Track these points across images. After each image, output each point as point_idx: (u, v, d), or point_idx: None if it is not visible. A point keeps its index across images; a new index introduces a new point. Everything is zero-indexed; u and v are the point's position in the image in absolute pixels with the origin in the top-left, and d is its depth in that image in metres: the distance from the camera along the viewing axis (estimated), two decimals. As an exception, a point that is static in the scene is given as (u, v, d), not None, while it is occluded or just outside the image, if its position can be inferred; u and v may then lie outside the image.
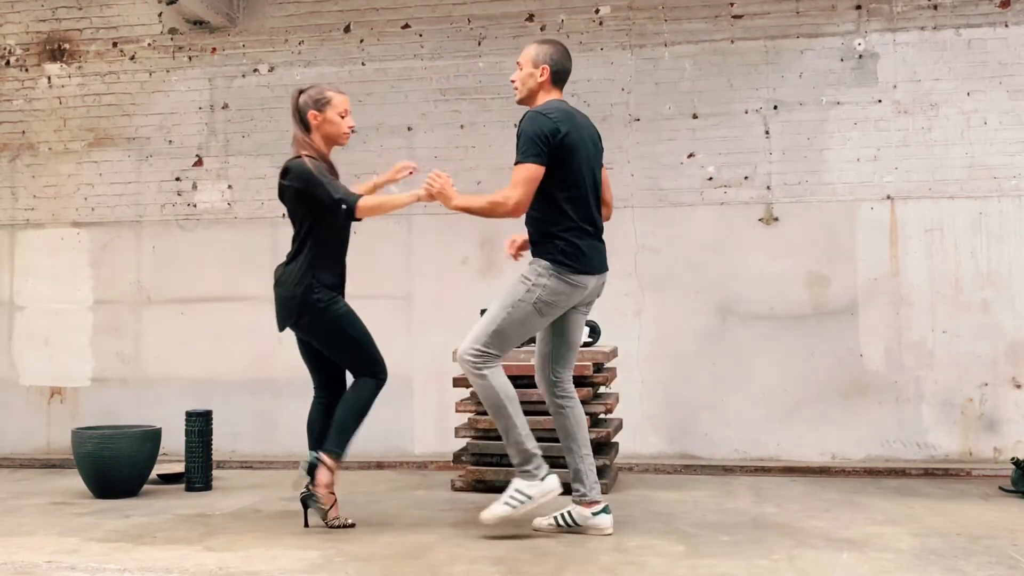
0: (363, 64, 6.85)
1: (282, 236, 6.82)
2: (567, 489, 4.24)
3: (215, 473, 5.72)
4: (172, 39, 7.09)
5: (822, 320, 6.25)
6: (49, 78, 7.25)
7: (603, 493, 5.10)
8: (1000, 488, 5.22)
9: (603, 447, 5.46)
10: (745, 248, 6.36)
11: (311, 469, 4.30)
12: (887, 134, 6.27)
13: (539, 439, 5.16)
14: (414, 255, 6.72)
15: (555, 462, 4.49)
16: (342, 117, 4.40)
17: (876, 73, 6.30)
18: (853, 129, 6.31)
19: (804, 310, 6.28)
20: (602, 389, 5.67)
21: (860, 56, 6.32)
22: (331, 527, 4.30)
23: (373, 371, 4.42)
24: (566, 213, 4.12)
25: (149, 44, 7.13)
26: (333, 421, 4.35)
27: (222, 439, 6.18)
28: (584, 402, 5.19)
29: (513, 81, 4.30)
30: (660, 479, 5.74)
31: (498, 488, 5.16)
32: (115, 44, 7.18)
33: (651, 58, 6.54)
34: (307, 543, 4.07)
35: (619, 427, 5.75)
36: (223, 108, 7.01)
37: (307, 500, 4.30)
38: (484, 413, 5.30)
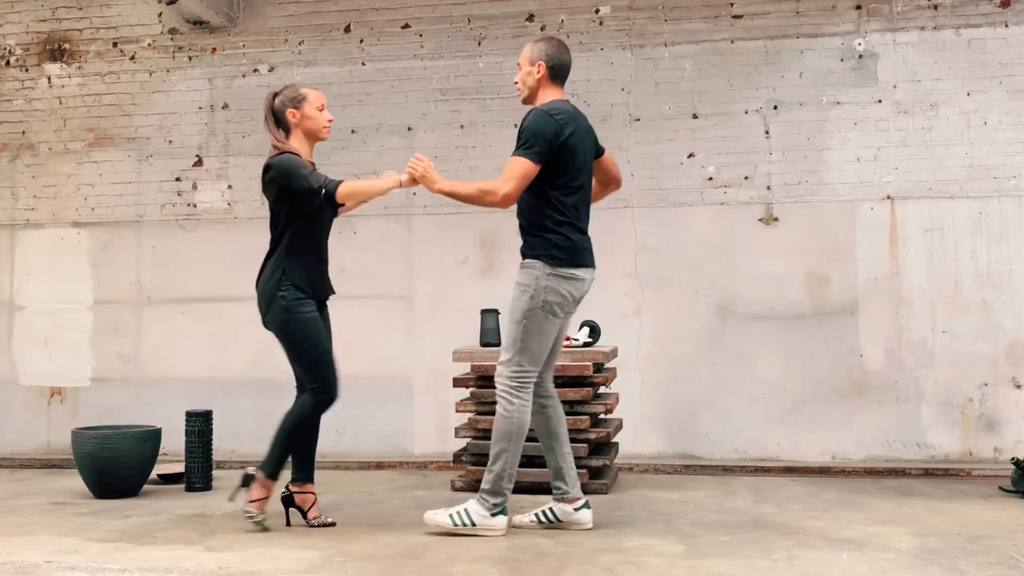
0: (363, 64, 6.85)
1: (282, 236, 6.83)
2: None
3: (215, 473, 5.71)
4: (172, 39, 7.09)
5: (822, 320, 6.25)
6: (49, 78, 7.25)
7: (603, 493, 5.14)
8: (1000, 488, 5.22)
9: (603, 447, 5.46)
10: (745, 248, 6.36)
11: (247, 481, 4.33)
12: (887, 134, 6.27)
13: (536, 439, 5.20)
14: (414, 255, 6.72)
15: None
16: (320, 111, 4.41)
17: (876, 73, 6.30)
18: (853, 129, 6.31)
19: (804, 310, 6.28)
20: (602, 389, 5.67)
21: (860, 56, 6.32)
22: (252, 530, 4.29)
23: (314, 388, 4.33)
24: (560, 210, 4.11)
25: (149, 44, 7.13)
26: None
27: (222, 439, 6.17)
28: (584, 402, 5.20)
29: (516, 83, 4.31)
30: (660, 479, 5.74)
31: (498, 488, 5.19)
32: (115, 44, 7.18)
33: (651, 58, 6.54)
34: (307, 543, 4.08)
35: (619, 427, 5.76)
36: (223, 108, 7.01)
37: (286, 501, 4.39)
38: (484, 413, 5.30)
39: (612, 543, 4.03)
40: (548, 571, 3.60)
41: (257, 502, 4.31)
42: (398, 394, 6.59)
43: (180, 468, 5.74)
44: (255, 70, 6.98)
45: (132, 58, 7.15)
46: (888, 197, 6.26)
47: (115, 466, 5.31)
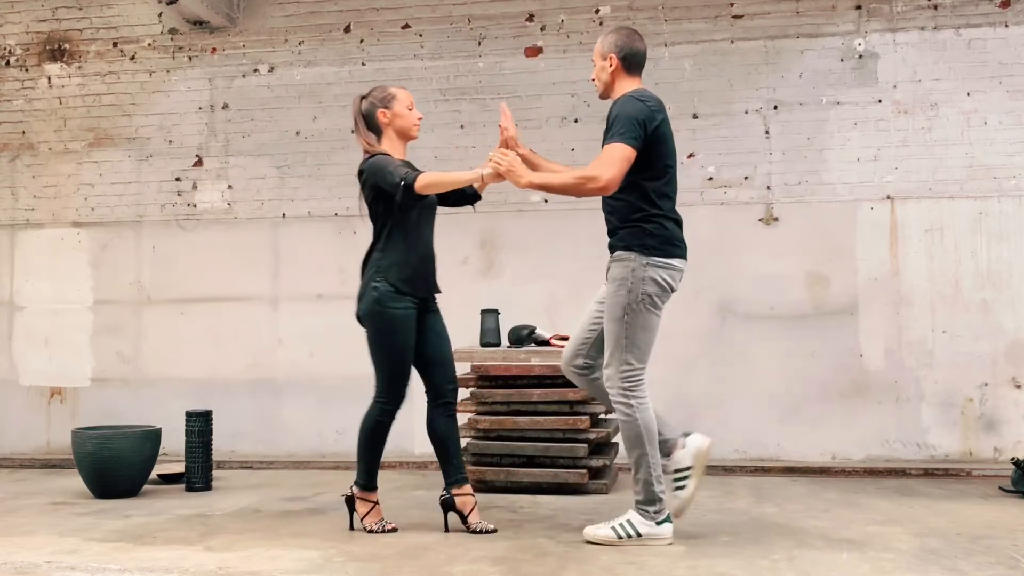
0: (363, 64, 6.85)
1: (282, 236, 6.84)
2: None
3: (215, 473, 5.72)
4: (172, 39, 7.09)
5: (822, 320, 6.25)
6: (49, 78, 7.25)
7: (603, 493, 5.14)
8: (1000, 488, 5.22)
9: (603, 447, 5.47)
10: (745, 248, 6.36)
11: (350, 503, 4.37)
12: (887, 134, 6.28)
13: (537, 439, 5.20)
14: (414, 255, 6.70)
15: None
16: (409, 110, 4.34)
17: (876, 73, 6.30)
18: (853, 129, 6.31)
19: (804, 310, 6.28)
20: (602, 389, 5.66)
21: (860, 56, 6.32)
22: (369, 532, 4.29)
23: (377, 393, 4.27)
24: (653, 202, 3.96)
25: (149, 44, 7.13)
26: None
27: (222, 439, 6.17)
28: (584, 402, 5.20)
29: (592, 79, 4.21)
30: (660, 479, 5.73)
31: (498, 488, 5.20)
32: (115, 44, 7.18)
33: (651, 58, 6.45)
34: (307, 543, 4.08)
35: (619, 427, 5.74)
36: (223, 108, 7.01)
37: (446, 504, 4.32)
38: (484, 413, 5.31)
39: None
40: (548, 571, 3.60)
41: (368, 516, 4.29)
42: (398, 394, 6.58)
43: (180, 468, 5.74)
44: (255, 70, 6.98)
45: (132, 58, 7.15)
46: (888, 197, 6.26)
47: (115, 466, 5.31)
